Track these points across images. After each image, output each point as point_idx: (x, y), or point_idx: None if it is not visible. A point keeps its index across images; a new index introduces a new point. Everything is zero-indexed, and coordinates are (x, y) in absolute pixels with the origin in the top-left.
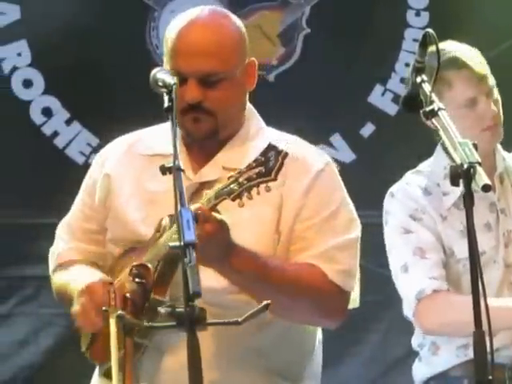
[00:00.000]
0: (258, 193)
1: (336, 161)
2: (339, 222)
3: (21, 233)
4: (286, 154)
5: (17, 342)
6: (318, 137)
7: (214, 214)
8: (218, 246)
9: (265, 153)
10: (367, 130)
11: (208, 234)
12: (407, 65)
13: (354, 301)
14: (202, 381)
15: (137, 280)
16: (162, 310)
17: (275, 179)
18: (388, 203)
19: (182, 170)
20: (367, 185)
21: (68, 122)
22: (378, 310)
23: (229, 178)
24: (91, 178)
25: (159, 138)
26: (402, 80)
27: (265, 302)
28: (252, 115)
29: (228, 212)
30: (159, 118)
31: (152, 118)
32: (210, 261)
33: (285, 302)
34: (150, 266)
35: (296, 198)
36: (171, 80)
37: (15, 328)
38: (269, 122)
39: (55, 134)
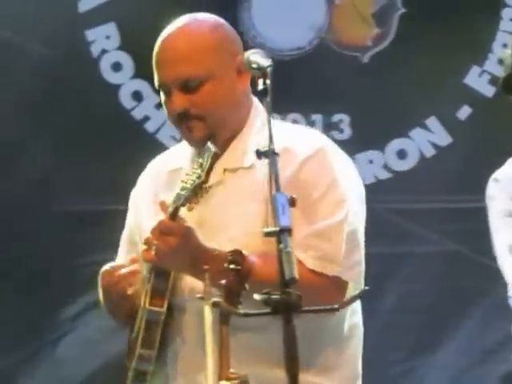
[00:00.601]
0: (202, 196)
1: (432, 144)
2: (322, 208)
3: (109, 219)
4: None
5: (108, 328)
6: (413, 120)
7: (178, 222)
8: (185, 255)
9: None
10: (464, 112)
11: (171, 248)
12: (505, 45)
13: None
14: (298, 367)
15: (232, 267)
16: (257, 296)
17: (205, 181)
18: (491, 188)
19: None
20: (463, 168)
21: (159, 107)
22: (474, 296)
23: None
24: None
25: (178, 153)
26: (500, 61)
27: (361, 290)
28: (256, 112)
29: (215, 210)
30: None
31: None
32: (182, 270)
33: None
34: (244, 252)
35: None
36: (265, 62)
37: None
38: (362, 104)
39: (146, 118)
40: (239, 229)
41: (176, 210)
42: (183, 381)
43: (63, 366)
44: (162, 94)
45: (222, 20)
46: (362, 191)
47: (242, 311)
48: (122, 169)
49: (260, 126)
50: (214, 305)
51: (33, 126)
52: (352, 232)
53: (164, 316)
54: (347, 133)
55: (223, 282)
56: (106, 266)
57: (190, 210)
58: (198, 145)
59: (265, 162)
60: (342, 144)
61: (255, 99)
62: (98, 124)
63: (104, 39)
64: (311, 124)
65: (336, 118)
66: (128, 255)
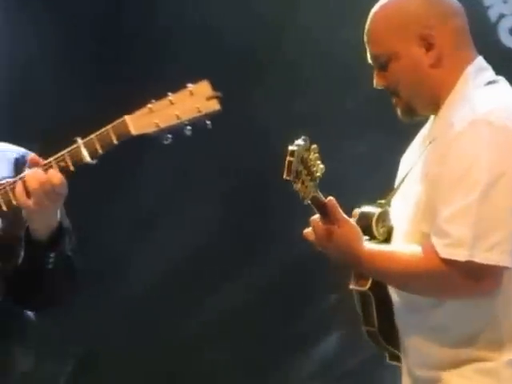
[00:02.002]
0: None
1: None
2: (460, 189)
3: None
4: None
5: None
6: None
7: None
8: (338, 250)
9: None
10: None
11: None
12: None
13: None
14: None
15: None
16: None
17: None
18: None
19: None
20: None
21: None
22: None
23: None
24: None
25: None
26: None
27: None
28: (462, 85)
29: None
30: None
31: None
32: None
33: (401, 288)
34: None
35: (433, 165)
36: None
37: None
38: None
39: None
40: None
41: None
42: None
43: None
44: None
45: None
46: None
47: None
48: None
49: (460, 98)
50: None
51: None
52: (490, 211)
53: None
54: None
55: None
56: None
57: None
58: (404, 119)
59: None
60: None
61: (473, 65)
62: None
63: (501, 3)
64: None
65: None
66: None
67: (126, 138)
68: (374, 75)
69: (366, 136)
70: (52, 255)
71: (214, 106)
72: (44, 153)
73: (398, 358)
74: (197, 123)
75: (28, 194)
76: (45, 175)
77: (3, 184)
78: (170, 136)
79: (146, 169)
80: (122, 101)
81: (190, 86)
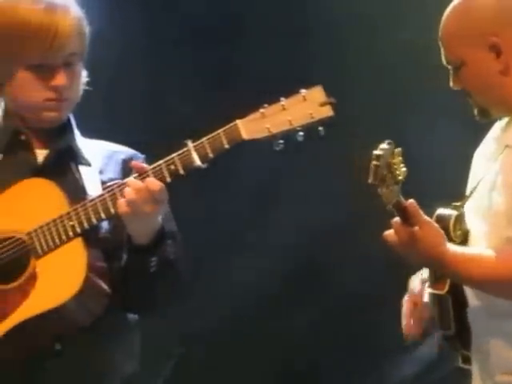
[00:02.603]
0: None
1: None
2: None
3: None
4: None
5: None
6: None
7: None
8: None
9: None
10: None
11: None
12: None
13: None
14: None
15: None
16: None
17: None
18: None
19: None
20: None
21: None
22: None
23: None
24: None
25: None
26: None
27: None
28: None
29: None
30: None
31: None
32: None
33: (484, 290)
34: None
35: None
36: None
37: None
38: None
39: None
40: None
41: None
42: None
43: None
44: None
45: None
46: None
47: None
48: None
49: None
50: None
51: None
52: None
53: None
54: None
55: None
56: None
57: None
58: (479, 119)
59: None
60: None
61: None
62: None
63: None
64: None
65: None
66: None
67: (237, 143)
68: (450, 77)
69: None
70: (154, 259)
71: (328, 112)
72: (156, 154)
73: (470, 361)
74: (309, 129)
75: (127, 202)
76: (143, 184)
77: (110, 187)
78: (281, 142)
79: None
80: (232, 105)
81: (303, 91)
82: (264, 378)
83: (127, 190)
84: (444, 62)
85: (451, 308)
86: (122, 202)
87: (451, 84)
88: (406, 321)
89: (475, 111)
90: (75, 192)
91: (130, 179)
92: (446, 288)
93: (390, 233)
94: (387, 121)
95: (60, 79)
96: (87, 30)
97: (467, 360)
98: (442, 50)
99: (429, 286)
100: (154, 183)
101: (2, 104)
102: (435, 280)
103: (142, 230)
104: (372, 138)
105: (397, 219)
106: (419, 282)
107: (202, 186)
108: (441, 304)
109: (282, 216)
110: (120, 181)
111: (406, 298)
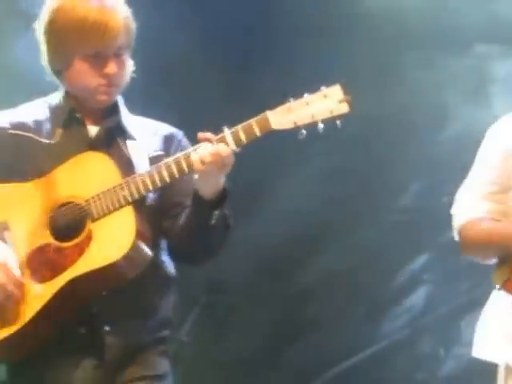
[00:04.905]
0: None
1: None
2: None
3: None
4: None
5: None
6: None
7: None
8: None
9: None
10: None
11: None
12: None
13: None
14: None
15: None
16: None
17: None
18: None
19: None
20: None
21: None
22: None
23: None
24: None
25: None
26: None
27: None
28: None
29: None
30: None
31: None
32: None
33: None
34: None
35: None
36: None
37: None
38: None
39: None
40: None
41: None
42: None
43: None
44: None
45: None
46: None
47: None
48: None
49: None
50: None
51: None
52: None
53: None
54: None
55: None
56: None
57: None
58: None
59: None
60: None
61: None
62: None
63: None
64: None
65: None
66: None
67: (267, 132)
68: None
69: None
70: (216, 213)
71: (345, 109)
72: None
73: None
74: (328, 122)
75: (202, 162)
76: (215, 148)
77: (166, 158)
78: (304, 132)
79: None
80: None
81: (324, 88)
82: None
83: (203, 153)
84: None
85: None
86: (198, 161)
87: None
88: None
89: None
90: (122, 164)
91: (205, 144)
92: None
93: None
94: None
95: (111, 68)
96: (133, 26)
97: None
98: None
99: None
100: (223, 148)
101: (63, 87)
102: None
103: (211, 187)
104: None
105: None
106: None
107: None
108: None
109: None
110: (190, 148)
111: None
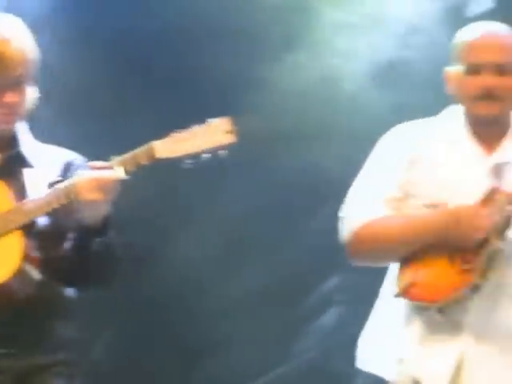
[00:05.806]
0: None
1: None
2: None
3: None
4: None
5: None
6: None
7: None
8: None
9: None
10: None
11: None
12: None
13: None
14: None
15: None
16: None
17: None
18: None
19: None
20: None
21: None
22: None
23: None
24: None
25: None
26: None
27: None
28: None
29: None
30: None
31: None
32: None
33: None
34: None
35: None
36: None
37: None
38: None
39: None
40: None
41: None
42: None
43: None
44: (466, 70)
45: None
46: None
47: None
48: None
49: None
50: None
51: None
52: None
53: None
54: None
55: None
56: None
57: None
58: (483, 120)
59: None
60: None
61: None
62: None
63: None
64: None
65: None
66: None
67: (153, 161)
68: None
69: None
70: (98, 240)
71: (231, 139)
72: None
73: None
74: (215, 152)
75: (87, 188)
76: (100, 173)
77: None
78: (189, 162)
79: None
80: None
81: (211, 120)
82: None
83: (88, 178)
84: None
85: None
86: (83, 186)
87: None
88: None
89: (489, 114)
90: (16, 191)
91: (91, 171)
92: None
93: None
94: None
95: (9, 97)
96: (34, 55)
97: None
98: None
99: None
100: (108, 173)
101: None
102: None
103: (92, 212)
104: None
105: None
106: None
107: None
108: None
109: None
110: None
111: None
